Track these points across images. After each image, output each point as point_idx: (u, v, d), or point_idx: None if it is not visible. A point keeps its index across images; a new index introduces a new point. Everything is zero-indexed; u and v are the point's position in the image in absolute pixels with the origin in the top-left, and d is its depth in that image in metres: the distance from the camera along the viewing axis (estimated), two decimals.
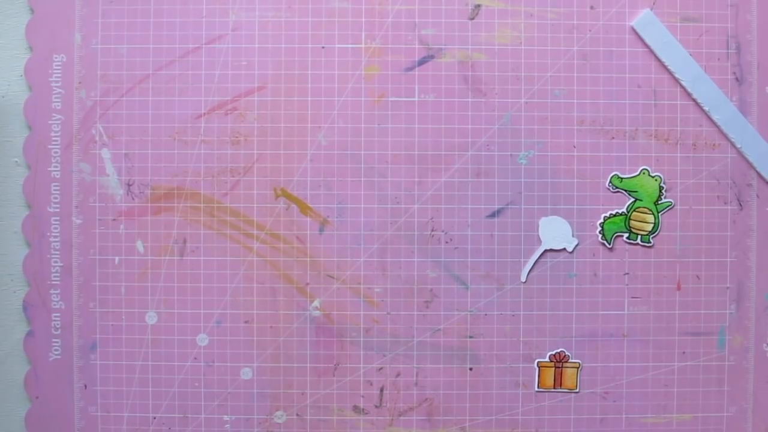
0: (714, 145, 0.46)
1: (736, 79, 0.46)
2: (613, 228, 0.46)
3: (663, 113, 0.46)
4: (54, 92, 0.45)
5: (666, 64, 0.45)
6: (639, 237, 0.46)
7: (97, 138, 0.46)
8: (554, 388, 0.46)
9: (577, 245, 0.46)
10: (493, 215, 0.46)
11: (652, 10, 0.46)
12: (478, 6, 0.46)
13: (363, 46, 0.46)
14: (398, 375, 0.46)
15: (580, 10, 0.46)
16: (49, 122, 0.45)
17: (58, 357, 0.46)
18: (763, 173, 0.46)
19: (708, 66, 0.46)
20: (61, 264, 0.46)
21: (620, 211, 0.46)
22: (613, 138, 0.46)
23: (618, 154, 0.46)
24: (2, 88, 0.46)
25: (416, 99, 0.46)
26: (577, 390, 0.46)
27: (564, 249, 0.46)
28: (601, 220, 0.46)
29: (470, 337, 0.46)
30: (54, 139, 0.45)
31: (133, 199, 0.46)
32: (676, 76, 0.45)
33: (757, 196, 0.46)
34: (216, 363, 0.46)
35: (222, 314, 0.46)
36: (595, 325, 0.46)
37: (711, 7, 0.46)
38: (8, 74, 0.46)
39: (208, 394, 0.46)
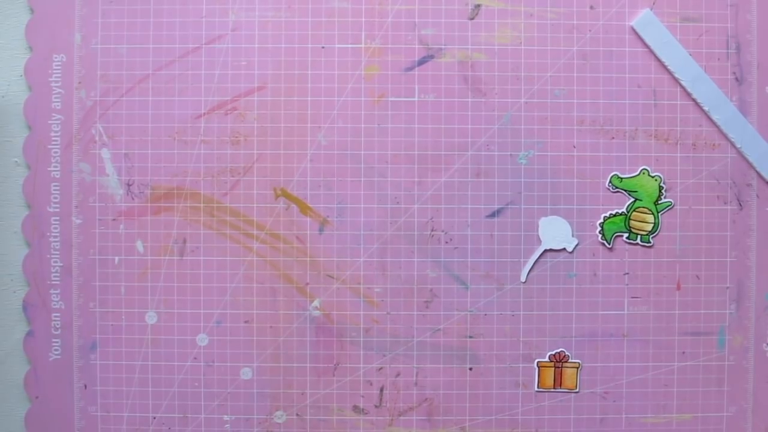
0: (714, 145, 0.46)
1: (736, 79, 0.46)
2: (613, 228, 0.46)
3: (663, 113, 0.46)
4: (54, 92, 0.45)
5: (666, 64, 0.45)
6: (639, 237, 0.46)
7: (97, 138, 0.46)
8: (554, 388, 0.46)
9: (576, 245, 0.46)
10: (492, 215, 0.46)
11: (651, 10, 0.46)
12: (478, 6, 0.46)
13: (363, 46, 0.46)
14: (398, 375, 0.46)
15: (579, 10, 0.46)
16: (49, 122, 0.45)
17: (58, 357, 0.46)
18: (763, 173, 0.46)
19: (708, 66, 0.46)
20: (61, 264, 0.46)
21: (620, 211, 0.46)
22: (613, 138, 0.46)
23: (618, 154, 0.46)
24: (2, 88, 0.46)
25: (416, 99, 0.46)
26: (577, 390, 0.46)
27: (564, 249, 0.46)
28: (601, 220, 0.46)
29: (470, 337, 0.46)
30: (54, 139, 0.45)
31: (132, 199, 0.46)
32: (676, 76, 0.45)
33: (757, 196, 0.46)
34: (216, 363, 0.46)
35: (222, 314, 0.46)
36: (594, 325, 0.46)
37: (711, 7, 0.46)
38: (8, 74, 0.46)
39: (208, 394, 0.46)
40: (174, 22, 0.45)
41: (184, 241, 0.46)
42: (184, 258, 0.46)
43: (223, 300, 0.46)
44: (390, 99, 0.46)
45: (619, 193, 0.46)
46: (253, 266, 0.46)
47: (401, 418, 0.46)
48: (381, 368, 0.46)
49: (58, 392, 0.46)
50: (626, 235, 0.46)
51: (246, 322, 0.46)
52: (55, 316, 0.46)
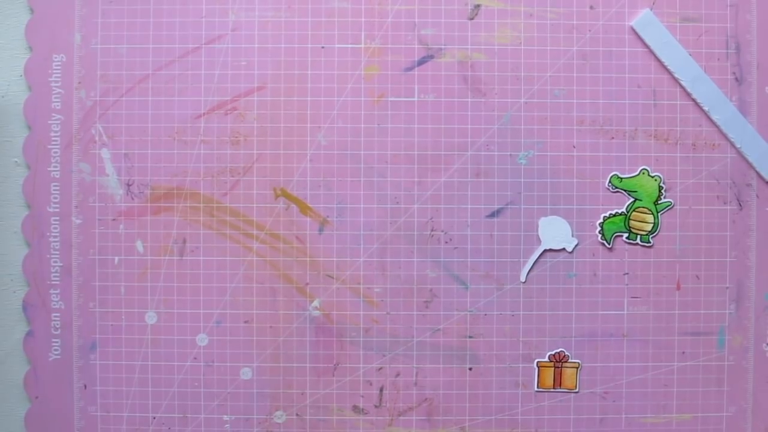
0: (714, 145, 0.46)
1: (736, 79, 0.46)
2: (613, 228, 0.46)
3: (663, 113, 0.46)
4: (54, 92, 0.45)
5: (666, 64, 0.45)
6: (638, 237, 0.46)
7: (97, 138, 0.46)
8: (554, 388, 0.46)
9: (576, 245, 0.46)
10: (492, 215, 0.46)
11: (651, 10, 0.46)
12: (477, 6, 0.46)
13: (363, 46, 0.46)
14: (398, 375, 0.46)
15: (579, 10, 0.46)
16: (49, 122, 0.45)
17: (58, 357, 0.46)
18: (763, 173, 0.46)
19: (708, 66, 0.46)
20: (61, 264, 0.46)
21: (620, 211, 0.46)
22: (613, 138, 0.46)
23: (618, 154, 0.46)
24: (2, 88, 0.46)
25: (416, 99, 0.46)
26: (577, 390, 0.46)
27: (563, 249, 0.46)
28: (601, 220, 0.46)
29: (470, 337, 0.46)
30: (54, 139, 0.45)
31: (132, 199, 0.46)
32: (676, 76, 0.45)
33: (757, 196, 0.46)
34: (216, 363, 0.46)
35: (222, 314, 0.46)
36: (594, 325, 0.46)
37: (711, 7, 0.46)
38: (8, 74, 0.46)
39: (207, 394, 0.46)
40: (174, 22, 0.45)
41: (184, 241, 0.46)
42: (183, 258, 0.46)
43: (222, 300, 0.46)
44: (390, 99, 0.46)
45: (618, 193, 0.46)
46: (252, 266, 0.46)
47: (401, 418, 0.46)
48: (381, 368, 0.46)
49: (58, 392, 0.46)
50: (626, 235, 0.46)
51: (246, 322, 0.46)
52: (55, 316, 0.46)
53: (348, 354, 0.46)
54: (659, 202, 0.46)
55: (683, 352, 0.46)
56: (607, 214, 0.46)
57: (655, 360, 0.46)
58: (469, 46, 0.46)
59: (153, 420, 0.46)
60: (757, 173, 0.46)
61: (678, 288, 0.46)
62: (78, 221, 0.46)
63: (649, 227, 0.46)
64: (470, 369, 0.46)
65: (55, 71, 0.45)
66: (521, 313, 0.46)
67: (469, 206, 0.46)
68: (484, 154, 0.46)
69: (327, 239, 0.46)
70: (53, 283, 0.46)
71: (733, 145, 0.46)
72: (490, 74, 0.46)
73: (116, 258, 0.46)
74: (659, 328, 0.46)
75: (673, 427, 0.46)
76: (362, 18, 0.46)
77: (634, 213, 0.46)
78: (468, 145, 0.46)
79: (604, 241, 0.46)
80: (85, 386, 0.46)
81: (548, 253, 0.46)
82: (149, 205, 0.46)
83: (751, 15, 0.46)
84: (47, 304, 0.46)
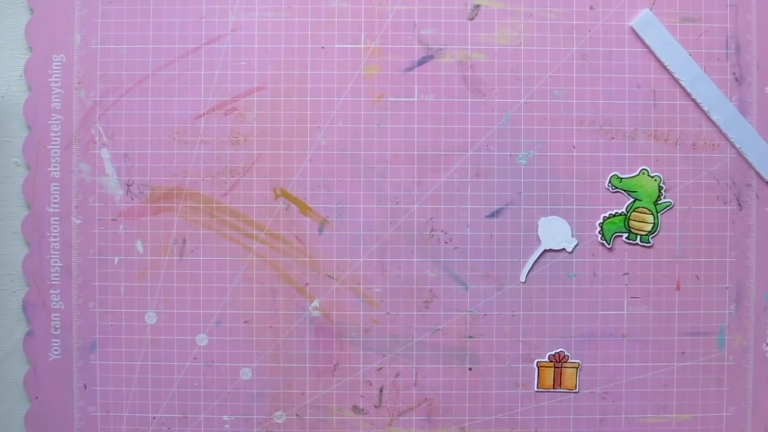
0: (713, 145, 0.46)
1: (736, 79, 0.46)
2: (613, 228, 0.46)
3: (662, 113, 0.46)
4: (53, 92, 0.45)
5: (665, 64, 0.45)
6: (638, 237, 0.46)
7: (97, 138, 0.46)
8: (554, 388, 0.46)
9: (576, 245, 0.46)
10: (492, 215, 0.46)
11: (651, 10, 0.46)
12: (477, 6, 0.46)
13: (362, 46, 0.46)
14: (398, 375, 0.46)
15: (579, 10, 0.46)
16: (49, 122, 0.45)
17: (58, 357, 0.46)
18: (763, 173, 0.46)
19: (707, 66, 0.46)
20: (61, 264, 0.46)
21: (620, 211, 0.46)
22: (613, 138, 0.46)
23: (617, 154, 0.46)
24: (2, 88, 0.46)
25: (416, 99, 0.46)
26: (577, 390, 0.46)
27: (563, 249, 0.46)
28: (601, 220, 0.46)
29: (470, 337, 0.46)
30: (54, 139, 0.45)
31: (132, 199, 0.46)
32: (676, 76, 0.45)
33: (757, 196, 0.46)
34: (215, 363, 0.46)
35: (221, 314, 0.46)
36: (594, 325, 0.46)
37: (710, 7, 0.46)
38: (8, 74, 0.46)
39: (207, 394, 0.46)
40: (174, 22, 0.45)
41: (184, 242, 0.46)
42: (183, 258, 0.46)
43: (222, 300, 0.46)
44: (390, 99, 0.46)
45: (618, 193, 0.46)
46: (252, 266, 0.46)
47: (401, 418, 0.46)
48: (380, 368, 0.46)
49: (58, 392, 0.46)
50: (626, 235, 0.46)
51: (246, 322, 0.46)
52: (55, 317, 0.46)
53: (348, 354, 0.46)
54: (659, 202, 0.46)
55: (683, 352, 0.46)
56: (606, 215, 0.46)
57: (655, 360, 0.46)
58: (469, 47, 0.46)
59: (153, 420, 0.46)
60: (757, 173, 0.46)
61: (678, 288, 0.46)
62: (78, 221, 0.46)
63: (648, 227, 0.46)
64: (470, 369, 0.46)
65: (55, 71, 0.45)
66: (521, 313, 0.46)
67: (469, 206, 0.46)
68: (484, 154, 0.46)
69: (327, 239, 0.46)
70: (53, 283, 0.46)
71: (732, 145, 0.46)
72: (490, 74, 0.46)
73: (116, 258, 0.46)
74: (659, 328, 0.46)
75: (673, 427, 0.46)
76: (362, 18, 0.46)
77: (633, 213, 0.46)
78: (468, 145, 0.46)
79: (604, 242, 0.46)
80: (85, 386, 0.46)
81: (548, 253, 0.46)
82: (149, 205, 0.46)
83: (751, 15, 0.46)
84: (47, 304, 0.46)
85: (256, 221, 0.46)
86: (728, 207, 0.46)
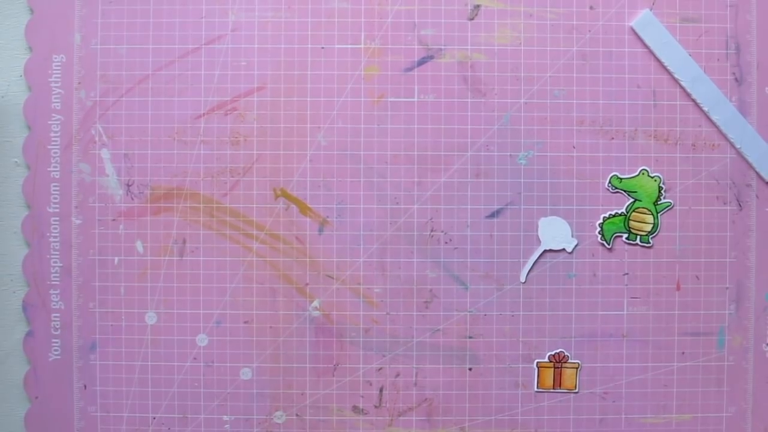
0: (713, 145, 0.46)
1: (736, 79, 0.46)
2: (613, 228, 0.46)
3: (662, 113, 0.46)
4: (53, 92, 0.45)
5: (665, 64, 0.45)
6: (638, 237, 0.46)
7: (97, 138, 0.46)
8: (553, 388, 0.46)
9: (576, 245, 0.46)
10: (492, 215, 0.46)
11: (651, 10, 0.46)
12: (477, 6, 0.46)
13: (362, 46, 0.46)
14: (398, 375, 0.46)
15: (579, 10, 0.46)
16: (49, 122, 0.45)
17: (58, 357, 0.46)
18: (763, 173, 0.46)
19: (707, 66, 0.46)
20: (61, 264, 0.46)
21: (619, 212, 0.46)
22: (613, 138, 0.46)
23: (617, 154, 0.46)
24: (2, 88, 0.46)
25: (416, 99, 0.46)
26: (577, 390, 0.46)
27: (563, 249, 0.46)
28: (601, 221, 0.46)
29: (470, 337, 0.46)
30: (54, 139, 0.45)
31: (132, 199, 0.46)
32: (676, 76, 0.45)
33: (757, 197, 0.46)
34: (215, 363, 0.46)
35: (221, 314, 0.46)
36: (594, 325, 0.46)
37: (710, 7, 0.46)
38: (8, 74, 0.46)
39: (207, 395, 0.46)
40: (174, 22, 0.45)
41: (184, 242, 0.46)
42: (183, 258, 0.46)
43: (222, 300, 0.46)
44: (390, 99, 0.46)
45: (618, 194, 0.46)
46: (252, 266, 0.46)
47: (401, 418, 0.46)
48: (380, 368, 0.46)
49: (58, 392, 0.46)
50: (626, 235, 0.46)
51: (246, 322, 0.46)
52: (55, 317, 0.46)
53: (348, 354, 0.46)
54: (659, 202, 0.46)
55: (683, 353, 0.46)
56: (606, 215, 0.46)
57: (655, 360, 0.46)
58: (469, 47, 0.46)
59: (153, 420, 0.46)
60: (757, 173, 0.46)
61: (678, 288, 0.46)
62: (78, 221, 0.46)
63: (648, 227, 0.46)
64: (470, 369, 0.46)
65: (55, 71, 0.45)
66: (521, 313, 0.46)
67: (469, 206, 0.46)
68: (483, 154, 0.46)
69: (327, 239, 0.46)
70: (53, 283, 0.46)
71: (732, 145, 0.46)
72: (489, 74, 0.46)
73: (116, 258, 0.46)
74: (659, 328, 0.46)
75: (673, 428, 0.46)
76: (362, 18, 0.46)
77: (633, 213, 0.46)
78: (468, 146, 0.46)
79: (604, 242, 0.46)
80: (85, 386, 0.46)
81: (548, 254, 0.46)
82: (149, 205, 0.46)
83: (751, 15, 0.46)
84: (47, 304, 0.46)
85: (256, 221, 0.46)
86: (728, 207, 0.46)
